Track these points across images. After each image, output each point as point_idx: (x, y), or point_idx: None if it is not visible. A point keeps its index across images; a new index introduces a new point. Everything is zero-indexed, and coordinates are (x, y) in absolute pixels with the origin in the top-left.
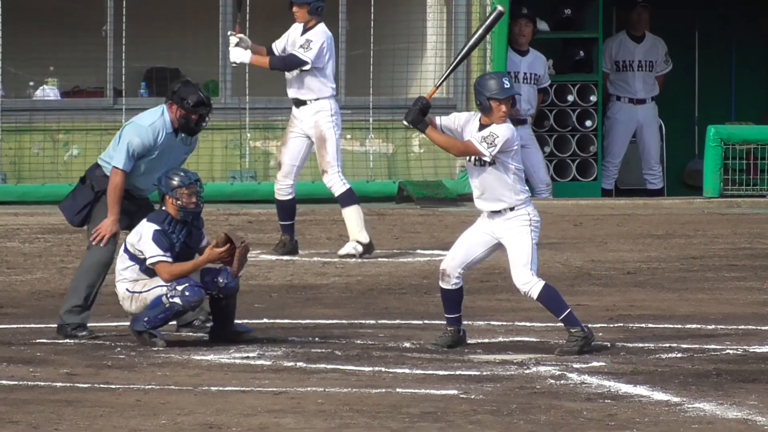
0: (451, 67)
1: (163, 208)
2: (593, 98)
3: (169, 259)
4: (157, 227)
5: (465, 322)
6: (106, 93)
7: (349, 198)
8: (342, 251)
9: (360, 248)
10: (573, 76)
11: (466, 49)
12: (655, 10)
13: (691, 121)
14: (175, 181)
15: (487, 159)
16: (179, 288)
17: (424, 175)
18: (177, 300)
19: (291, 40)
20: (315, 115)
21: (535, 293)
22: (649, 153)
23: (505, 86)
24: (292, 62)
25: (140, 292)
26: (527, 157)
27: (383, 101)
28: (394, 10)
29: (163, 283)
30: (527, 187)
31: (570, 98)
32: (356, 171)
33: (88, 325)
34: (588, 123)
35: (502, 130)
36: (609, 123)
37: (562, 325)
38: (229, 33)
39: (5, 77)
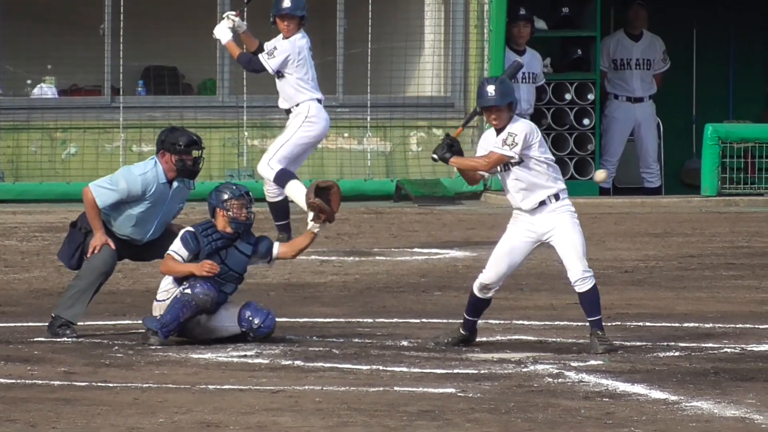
0: (472, 112)
1: (212, 220)
2: (591, 97)
3: (178, 257)
4: (191, 229)
5: (461, 320)
6: (104, 91)
7: (283, 177)
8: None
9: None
10: (571, 75)
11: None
12: (653, 8)
13: (689, 120)
14: (226, 194)
15: (515, 159)
16: (193, 283)
17: (422, 174)
18: (188, 291)
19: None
20: (294, 118)
21: (587, 287)
22: (647, 151)
23: (484, 95)
24: (255, 65)
25: (165, 300)
26: None
27: (381, 100)
28: (393, 9)
29: (181, 287)
30: (561, 179)
31: (568, 96)
32: (354, 170)
33: (86, 323)
34: (586, 121)
35: (518, 127)
36: (607, 121)
37: (589, 325)
38: (229, 12)
39: (3, 76)
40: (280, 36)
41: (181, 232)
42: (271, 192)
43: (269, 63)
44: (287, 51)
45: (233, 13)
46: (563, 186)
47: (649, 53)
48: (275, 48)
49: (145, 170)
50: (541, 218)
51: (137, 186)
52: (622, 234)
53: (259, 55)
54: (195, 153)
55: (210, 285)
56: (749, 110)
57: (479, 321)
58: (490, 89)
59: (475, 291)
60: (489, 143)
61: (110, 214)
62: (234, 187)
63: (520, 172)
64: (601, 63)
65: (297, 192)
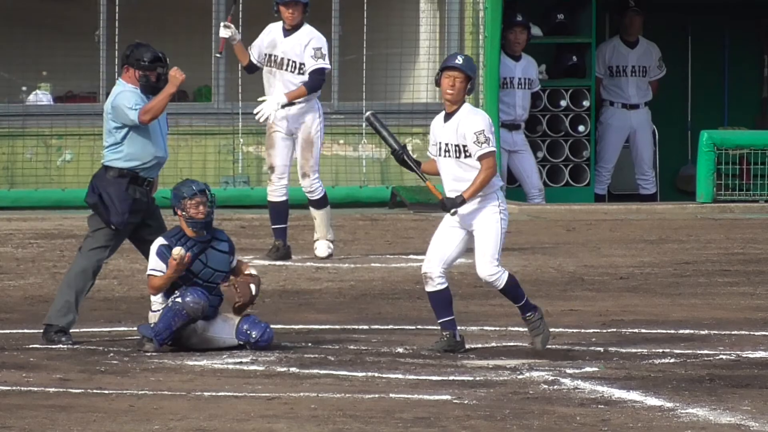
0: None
1: (178, 224)
2: (586, 103)
3: (158, 273)
4: (164, 242)
5: (458, 327)
6: (99, 98)
7: (324, 200)
8: (322, 254)
9: (332, 245)
10: (566, 81)
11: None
12: (648, 14)
13: (684, 126)
14: (182, 193)
15: (494, 148)
16: (184, 292)
17: (416, 181)
18: (179, 300)
19: (279, 45)
20: (303, 115)
21: (501, 284)
22: (642, 158)
23: (451, 58)
24: (321, 77)
25: (160, 311)
26: (520, 163)
27: (376, 106)
28: (387, 15)
29: (172, 296)
30: (498, 176)
31: (563, 103)
32: (349, 176)
33: (81, 330)
34: (581, 128)
35: (478, 122)
36: (602, 128)
37: (519, 311)
38: (222, 24)
39: None
40: (275, 27)
41: (155, 246)
42: (278, 191)
43: (326, 63)
44: (325, 42)
45: (225, 23)
46: (495, 189)
47: (644, 60)
48: (318, 48)
49: (123, 88)
50: (466, 208)
51: (137, 95)
52: (617, 240)
53: (316, 67)
54: (159, 69)
55: (201, 293)
56: (744, 117)
57: (474, 327)
58: (460, 56)
59: (424, 287)
60: (443, 132)
61: (130, 148)
62: (188, 185)
63: (455, 166)
64: (597, 70)
65: (326, 220)
